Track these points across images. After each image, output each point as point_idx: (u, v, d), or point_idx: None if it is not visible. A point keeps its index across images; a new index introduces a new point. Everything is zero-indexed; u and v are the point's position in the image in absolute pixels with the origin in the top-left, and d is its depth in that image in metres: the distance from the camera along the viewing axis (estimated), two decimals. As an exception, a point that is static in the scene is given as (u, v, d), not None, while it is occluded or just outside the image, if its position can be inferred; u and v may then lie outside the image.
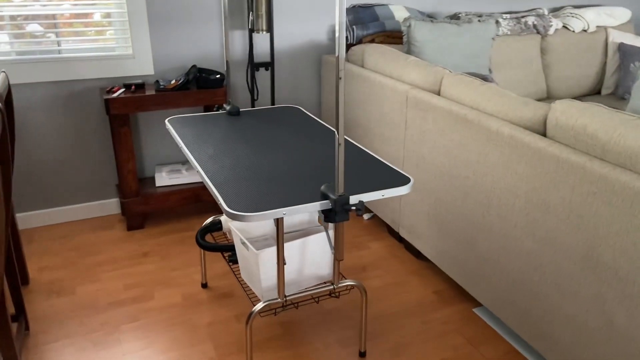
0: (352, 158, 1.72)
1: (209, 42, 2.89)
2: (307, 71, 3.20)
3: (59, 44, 2.64)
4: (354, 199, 1.46)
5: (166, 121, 2.08)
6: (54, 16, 2.59)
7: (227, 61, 2.34)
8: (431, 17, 3.44)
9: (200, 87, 2.71)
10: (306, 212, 1.51)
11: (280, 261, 1.62)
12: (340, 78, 1.30)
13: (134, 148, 2.70)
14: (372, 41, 3.09)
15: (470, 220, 2.06)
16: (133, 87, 2.66)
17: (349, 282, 1.77)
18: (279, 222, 1.58)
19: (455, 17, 3.37)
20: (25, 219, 2.79)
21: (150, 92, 2.64)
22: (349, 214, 1.47)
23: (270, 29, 2.85)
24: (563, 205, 1.61)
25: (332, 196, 1.40)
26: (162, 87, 2.67)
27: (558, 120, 1.66)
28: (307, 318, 2.12)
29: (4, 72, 1.69)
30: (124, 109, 2.57)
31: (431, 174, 2.26)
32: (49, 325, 2.06)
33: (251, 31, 2.81)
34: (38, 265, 2.45)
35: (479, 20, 3.10)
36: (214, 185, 1.50)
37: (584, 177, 1.52)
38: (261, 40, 3.00)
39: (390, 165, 1.68)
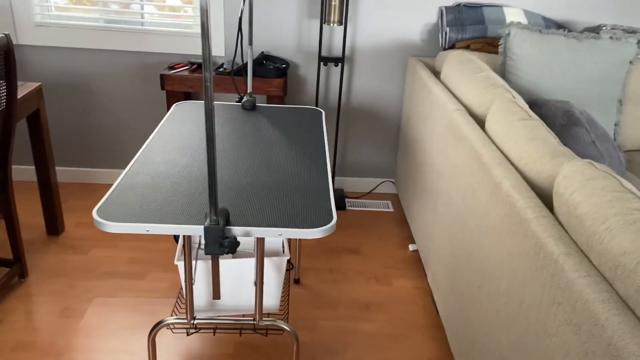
0: (304, 182, 1.45)
1: (286, 28, 2.75)
2: (390, 73, 2.87)
3: (142, 16, 2.75)
4: (240, 232, 1.21)
5: (173, 106, 2.01)
6: (140, -11, 2.69)
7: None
8: (562, 26, 2.81)
9: (256, 75, 2.60)
10: (178, 233, 1.31)
11: (188, 280, 1.45)
12: (208, 85, 1.06)
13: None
14: (467, 47, 2.63)
15: (468, 284, 1.62)
16: (195, 66, 2.66)
17: (272, 322, 1.52)
18: (184, 238, 1.40)
19: (596, 31, 2.70)
20: (85, 174, 3.01)
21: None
22: (227, 249, 1.23)
23: (343, 21, 2.59)
24: (533, 307, 1.14)
25: (206, 223, 1.17)
26: (221, 70, 2.62)
27: (559, 187, 1.17)
28: (262, 346, 1.91)
29: (5, 34, 1.77)
30: (176, 86, 2.58)
31: (453, 217, 1.84)
32: (45, 278, 2.18)
33: (322, 22, 2.59)
34: (77, 220, 2.63)
35: (610, 38, 2.43)
36: (120, 183, 1.38)
37: (555, 276, 1.04)
38: (349, 32, 2.76)
39: (331, 197, 1.36)
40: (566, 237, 1.09)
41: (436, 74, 2.67)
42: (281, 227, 1.22)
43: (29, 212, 2.67)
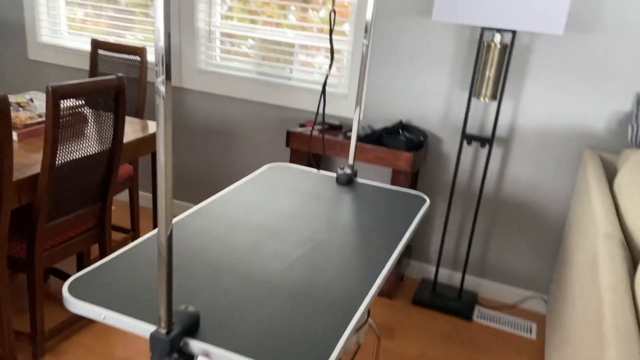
0: (338, 292, 1.10)
1: (432, 97, 2.42)
2: (558, 165, 2.30)
3: (290, 70, 2.69)
4: (198, 349, 0.93)
5: (265, 167, 1.84)
6: (292, 45, 2.65)
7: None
8: None
9: (383, 144, 2.30)
10: (129, 329, 1.05)
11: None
12: (163, 99, 0.82)
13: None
14: (666, 148, 1.96)
15: None
16: (327, 126, 2.48)
17: None
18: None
19: None
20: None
21: (336, 136, 2.40)
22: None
23: (497, 96, 2.16)
24: None
25: (158, 329, 0.92)
26: (349, 135, 2.40)
27: None
28: None
29: (119, 75, 1.81)
30: (300, 145, 2.42)
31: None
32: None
33: (471, 95, 2.19)
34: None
35: None
36: (126, 251, 1.21)
37: None
38: (508, 110, 2.31)
39: (352, 322, 0.99)
40: None
41: (613, 176, 2.05)
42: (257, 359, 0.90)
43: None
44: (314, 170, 1.83)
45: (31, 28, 3.12)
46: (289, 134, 2.43)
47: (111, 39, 2.99)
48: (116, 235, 2.78)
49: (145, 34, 2.92)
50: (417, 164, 2.29)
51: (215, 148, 2.92)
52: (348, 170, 1.77)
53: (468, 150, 2.42)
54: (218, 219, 1.39)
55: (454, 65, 2.34)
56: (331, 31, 1.37)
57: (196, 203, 3.07)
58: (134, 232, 2.55)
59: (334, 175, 1.78)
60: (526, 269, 2.48)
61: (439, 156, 2.49)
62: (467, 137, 2.26)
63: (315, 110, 2.63)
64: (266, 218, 1.43)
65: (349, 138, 2.36)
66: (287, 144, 2.45)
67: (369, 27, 1.65)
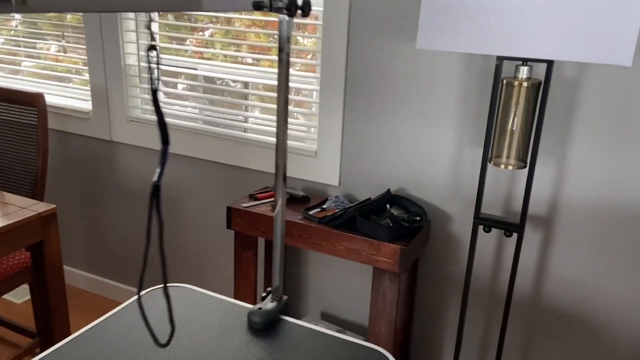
0: None
1: (435, 157, 1.68)
2: (622, 255, 1.51)
3: (245, 119, 2.01)
4: None
5: (167, 288, 1.13)
6: (246, 84, 1.97)
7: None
8: None
9: (359, 231, 1.57)
10: None
11: None
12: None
13: (255, 286, 1.81)
14: None
15: None
16: (288, 196, 1.76)
17: None
18: None
19: None
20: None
21: (296, 215, 1.69)
22: None
23: (527, 161, 1.40)
24: None
25: None
26: (311, 213, 1.68)
27: None
28: None
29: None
30: (244, 228, 1.72)
31: None
32: None
33: (486, 160, 1.44)
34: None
35: None
36: None
37: None
38: (547, 177, 1.55)
39: None
40: None
41: None
42: None
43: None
44: (228, 299, 1.11)
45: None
46: (230, 211, 1.73)
47: None
48: (19, 340, 2.12)
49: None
50: (408, 259, 1.54)
51: (144, 216, 2.26)
52: (270, 304, 1.04)
53: (488, 235, 1.66)
54: None
55: (462, 110, 1.60)
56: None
57: (130, 284, 2.39)
58: (42, 338, 1.88)
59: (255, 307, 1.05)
60: (581, 408, 1.67)
61: (446, 239, 1.73)
62: (483, 222, 1.49)
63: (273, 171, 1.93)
64: None
65: (307, 217, 1.64)
66: (228, 225, 1.75)
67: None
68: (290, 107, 1.90)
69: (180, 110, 2.10)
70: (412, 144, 1.69)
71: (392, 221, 1.55)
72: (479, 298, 1.74)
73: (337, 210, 1.61)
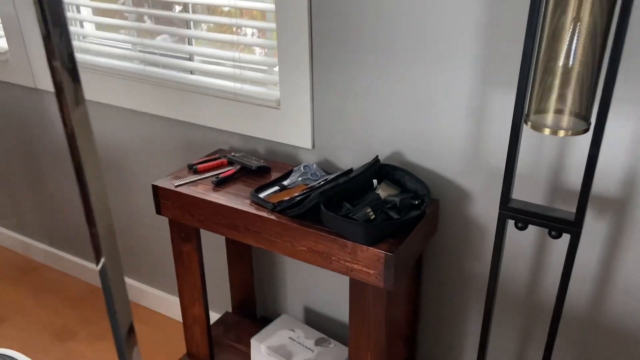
0: None
1: (444, 108, 1.11)
2: None
3: (190, 57, 1.47)
4: None
5: None
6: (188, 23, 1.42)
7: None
8: None
9: (324, 223, 1.05)
10: None
11: None
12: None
13: (204, 283, 1.34)
14: None
15: None
16: (237, 167, 1.26)
17: None
18: None
19: None
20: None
21: (246, 197, 1.18)
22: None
23: (593, 120, 0.82)
24: None
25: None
26: (263, 195, 1.17)
27: None
28: None
29: None
30: (176, 214, 1.23)
31: None
32: None
33: (520, 118, 0.87)
34: None
35: None
36: None
37: None
38: (622, 140, 0.98)
39: None
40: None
41: None
42: None
43: None
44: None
45: None
46: (157, 192, 1.25)
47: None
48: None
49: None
50: (400, 268, 1.02)
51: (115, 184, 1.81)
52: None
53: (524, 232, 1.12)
54: None
55: (483, 39, 1.02)
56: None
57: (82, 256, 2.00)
58: None
59: None
60: None
61: (461, 225, 1.20)
62: (514, 214, 0.95)
63: (232, 128, 1.41)
64: None
65: (256, 201, 1.13)
66: (158, 209, 1.27)
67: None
68: (243, 38, 1.34)
69: (111, 45, 1.58)
70: (412, 92, 1.13)
71: (375, 209, 1.03)
72: (507, 306, 1.23)
73: (297, 195, 1.09)
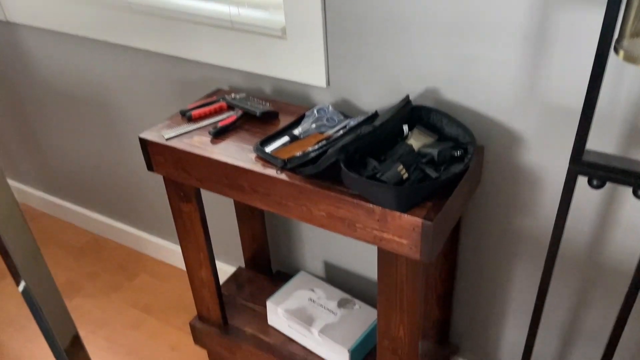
0: None
1: (484, 37, 0.88)
2: None
3: (179, -25, 1.22)
4: None
5: None
6: None
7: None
8: None
9: (339, 177, 0.86)
10: None
11: None
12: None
13: (209, 245, 1.18)
14: None
15: None
16: (239, 113, 1.05)
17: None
18: None
19: None
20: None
21: (250, 150, 0.99)
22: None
23: None
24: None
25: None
26: (270, 150, 0.97)
27: None
28: None
29: None
30: (171, 171, 1.05)
31: None
32: None
33: (609, 41, 0.64)
34: None
35: None
36: None
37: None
38: None
39: None
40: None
41: None
42: None
43: None
44: None
45: None
46: (146, 146, 1.05)
47: None
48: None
49: None
50: (439, 237, 0.84)
51: (80, 124, 1.62)
52: None
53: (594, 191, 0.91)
54: None
55: None
56: None
57: (81, 203, 1.85)
58: None
59: None
60: None
61: (512, 176, 1.00)
62: (590, 170, 0.75)
63: (230, 63, 1.18)
64: None
65: (263, 155, 0.94)
66: (149, 166, 1.09)
67: None
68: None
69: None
70: (453, 7, 0.89)
71: (407, 165, 0.83)
72: (563, 267, 1.05)
73: (311, 149, 0.89)
